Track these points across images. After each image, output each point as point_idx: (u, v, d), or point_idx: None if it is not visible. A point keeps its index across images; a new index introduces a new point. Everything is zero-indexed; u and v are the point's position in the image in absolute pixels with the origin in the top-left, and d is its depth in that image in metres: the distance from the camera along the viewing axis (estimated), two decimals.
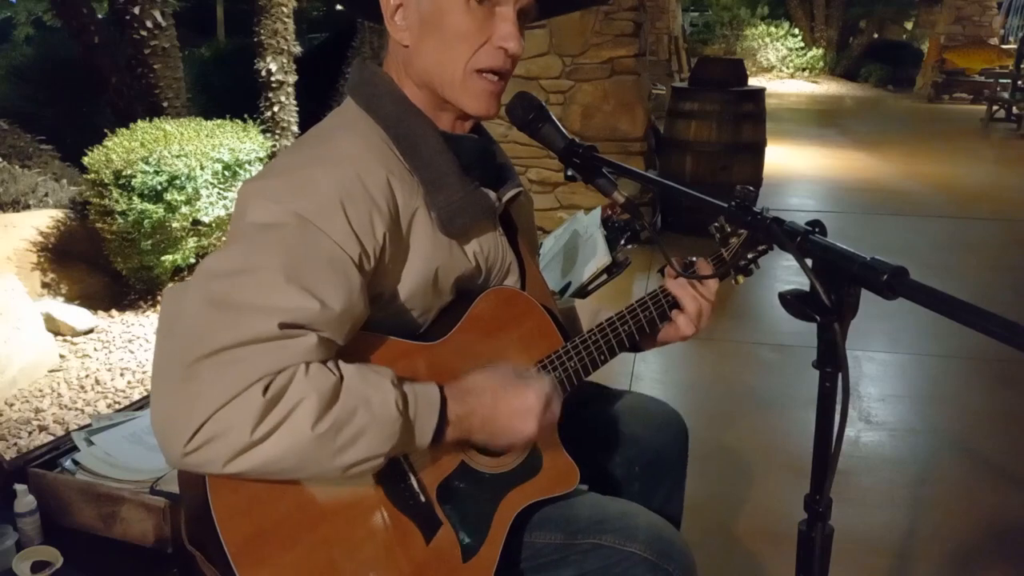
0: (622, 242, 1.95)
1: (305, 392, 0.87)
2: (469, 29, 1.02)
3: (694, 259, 1.25)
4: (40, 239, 3.91)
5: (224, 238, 3.82)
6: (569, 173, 1.13)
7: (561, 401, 1.07)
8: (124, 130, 3.85)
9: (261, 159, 3.98)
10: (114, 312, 3.84)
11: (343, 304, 0.92)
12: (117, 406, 2.97)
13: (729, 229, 1.21)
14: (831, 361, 0.83)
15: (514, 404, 1.01)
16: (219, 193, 3.70)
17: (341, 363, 0.94)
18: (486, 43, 1.03)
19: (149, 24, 4.63)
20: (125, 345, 3.49)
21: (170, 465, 0.92)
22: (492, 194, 1.12)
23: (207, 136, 3.81)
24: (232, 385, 0.84)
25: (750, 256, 1.25)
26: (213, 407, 0.84)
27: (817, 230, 0.86)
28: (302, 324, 0.89)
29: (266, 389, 0.85)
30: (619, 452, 1.35)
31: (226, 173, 3.73)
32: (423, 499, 1.03)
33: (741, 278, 1.27)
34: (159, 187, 3.48)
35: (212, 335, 0.86)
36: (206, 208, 3.65)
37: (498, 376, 1.03)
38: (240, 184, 3.65)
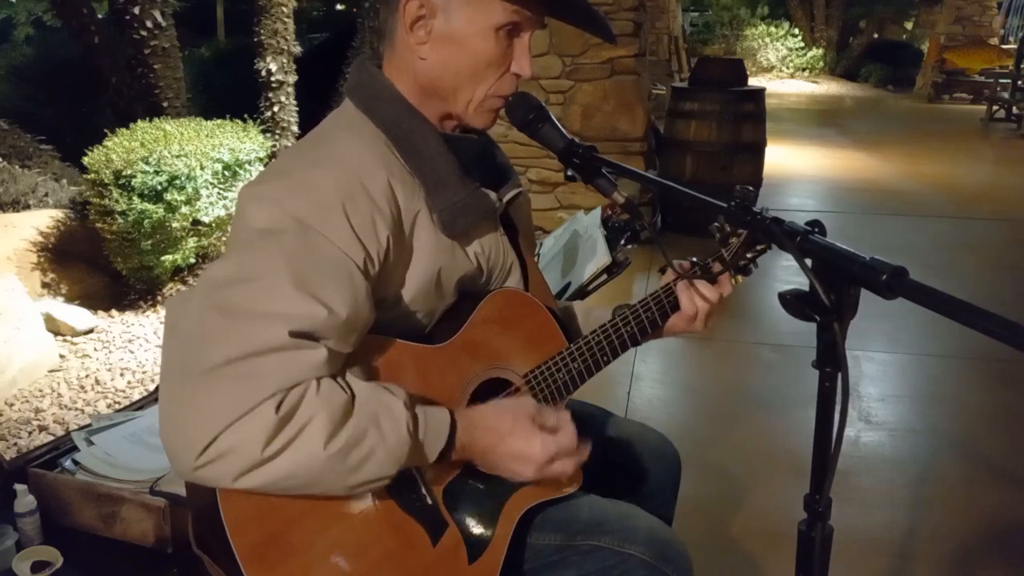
0: (622, 242, 1.95)
1: (316, 410, 0.87)
2: (495, 57, 1.03)
3: (694, 259, 1.25)
4: (40, 239, 3.91)
5: (224, 238, 3.84)
6: (569, 173, 1.13)
7: (573, 459, 1.04)
8: (124, 130, 3.85)
9: (261, 159, 3.98)
10: (114, 312, 3.84)
11: (349, 310, 0.91)
12: (117, 406, 2.97)
13: (729, 229, 1.20)
14: (831, 361, 0.83)
15: (517, 447, 1.01)
16: (219, 193, 3.70)
17: (353, 379, 0.94)
18: (506, 70, 1.05)
19: (149, 24, 4.63)
20: (125, 345, 3.49)
21: (179, 476, 0.91)
22: (493, 194, 1.12)
23: (207, 136, 3.81)
24: (244, 400, 0.84)
25: (749, 256, 1.24)
26: (225, 422, 0.83)
27: (817, 230, 0.86)
28: (310, 331, 0.89)
29: (279, 406, 0.85)
30: (614, 478, 1.35)
31: (226, 173, 3.73)
32: (430, 501, 1.03)
33: (740, 278, 1.27)
34: (159, 187, 3.48)
35: (221, 344, 0.85)
36: (206, 208, 3.65)
37: (510, 415, 1.03)
38: (240, 185, 3.67)
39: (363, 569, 0.97)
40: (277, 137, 4.93)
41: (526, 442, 1.01)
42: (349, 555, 0.97)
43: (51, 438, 2.03)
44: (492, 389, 1.13)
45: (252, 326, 0.86)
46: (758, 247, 1.24)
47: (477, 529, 1.07)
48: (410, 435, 0.93)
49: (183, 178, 3.53)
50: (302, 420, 0.86)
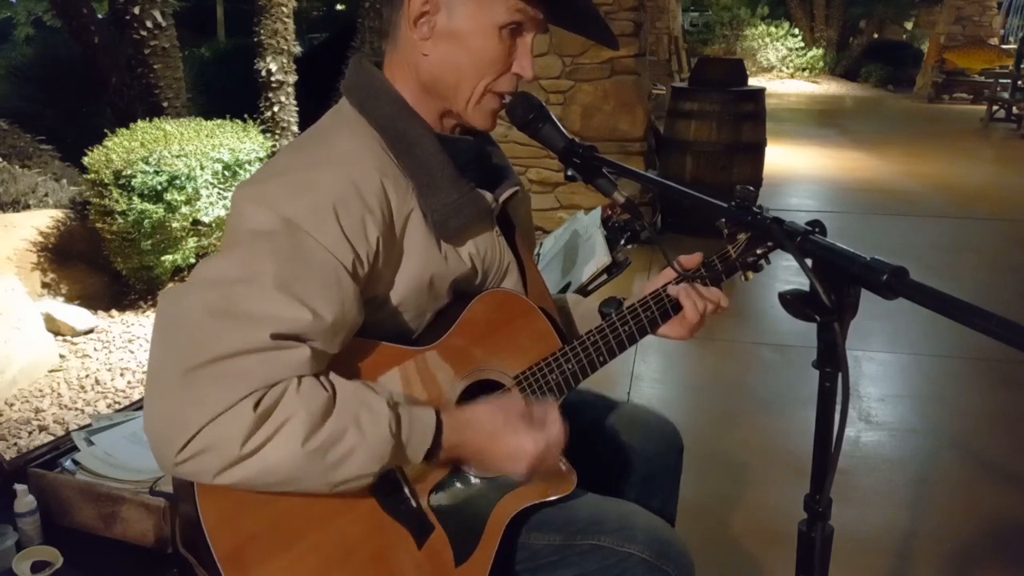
0: (622, 242, 1.96)
1: (295, 409, 0.88)
2: (497, 55, 1.03)
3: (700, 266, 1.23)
4: (40, 239, 3.91)
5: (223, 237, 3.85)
6: (569, 173, 1.13)
7: (560, 450, 1.05)
8: (124, 130, 3.85)
9: (261, 159, 3.97)
10: (114, 312, 3.84)
11: (336, 314, 0.92)
12: (117, 406, 2.97)
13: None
14: (831, 361, 0.83)
15: (509, 446, 1.01)
16: (219, 193, 3.70)
17: (336, 378, 0.94)
18: (508, 70, 1.05)
19: (149, 24, 4.63)
20: (125, 345, 3.49)
21: (163, 471, 0.92)
22: (488, 195, 1.11)
23: (207, 136, 3.81)
24: (224, 398, 0.85)
25: (759, 252, 1.21)
26: (204, 419, 0.85)
27: (817, 230, 0.86)
28: (295, 334, 0.89)
29: (257, 404, 0.86)
30: (617, 461, 1.35)
31: (226, 173, 3.73)
32: (414, 504, 1.03)
33: (750, 274, 1.24)
34: (159, 187, 3.48)
35: (206, 344, 0.86)
36: (206, 208, 3.65)
37: (501, 413, 1.03)
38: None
39: (345, 572, 0.97)
40: (277, 137, 4.93)
41: (518, 440, 1.01)
42: (330, 558, 0.96)
43: (51, 438, 2.03)
44: (482, 391, 1.13)
45: (238, 328, 0.87)
46: (768, 243, 1.20)
47: (464, 531, 1.06)
48: (392, 435, 0.93)
49: (183, 178, 3.53)
50: (280, 418, 0.87)
